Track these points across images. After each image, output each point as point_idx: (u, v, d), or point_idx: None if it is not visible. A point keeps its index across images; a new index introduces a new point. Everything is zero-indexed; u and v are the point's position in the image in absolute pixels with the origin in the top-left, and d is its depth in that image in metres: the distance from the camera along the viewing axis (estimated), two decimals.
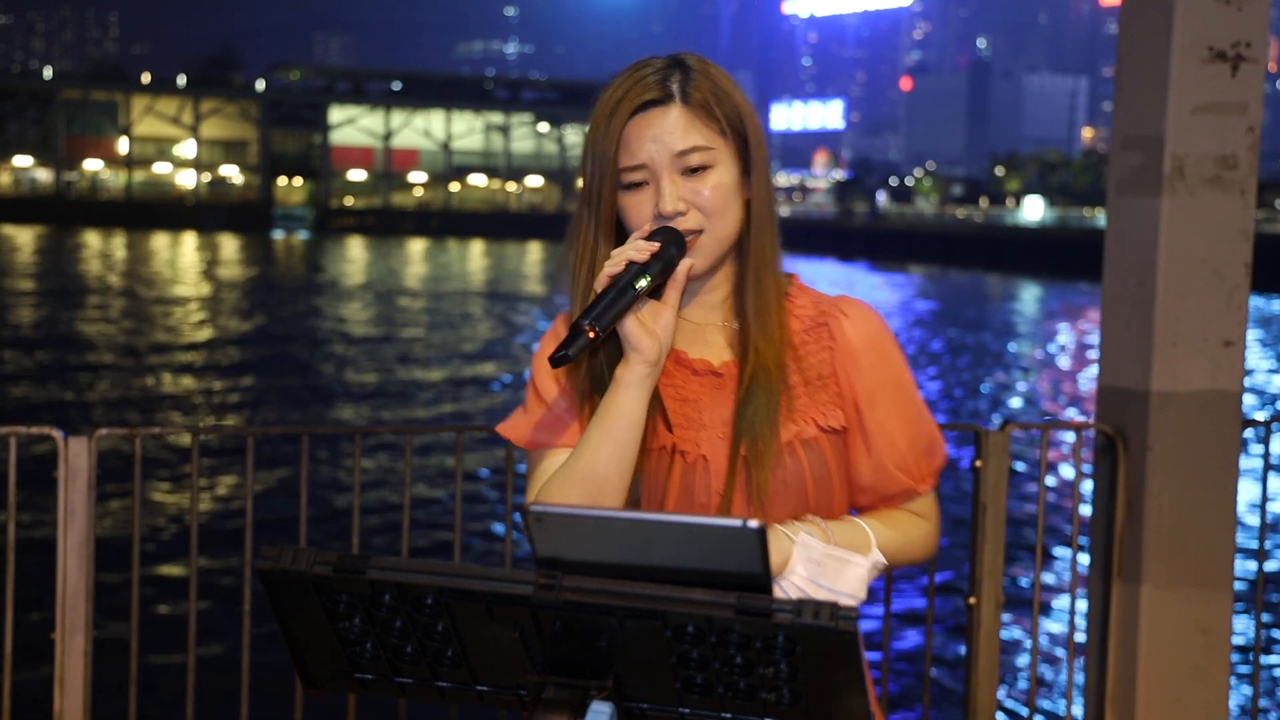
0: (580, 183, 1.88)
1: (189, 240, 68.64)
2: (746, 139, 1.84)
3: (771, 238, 1.87)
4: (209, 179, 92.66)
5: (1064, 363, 25.72)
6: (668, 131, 1.79)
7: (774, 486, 1.80)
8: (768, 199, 1.86)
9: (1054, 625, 8.12)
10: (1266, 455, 4.19)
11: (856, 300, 1.92)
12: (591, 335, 1.64)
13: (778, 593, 1.69)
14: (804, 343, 1.88)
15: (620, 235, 1.84)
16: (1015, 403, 20.40)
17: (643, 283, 1.71)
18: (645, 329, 1.74)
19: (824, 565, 1.73)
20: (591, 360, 1.84)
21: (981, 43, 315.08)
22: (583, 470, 1.75)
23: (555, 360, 1.64)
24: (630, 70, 1.84)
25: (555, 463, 1.83)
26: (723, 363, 1.87)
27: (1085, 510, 4.37)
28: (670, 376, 1.87)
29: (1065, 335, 31.14)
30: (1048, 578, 9.37)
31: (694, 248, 1.80)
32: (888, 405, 1.88)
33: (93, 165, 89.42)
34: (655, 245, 1.73)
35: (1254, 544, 8.55)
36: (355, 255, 60.57)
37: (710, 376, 1.86)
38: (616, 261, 1.72)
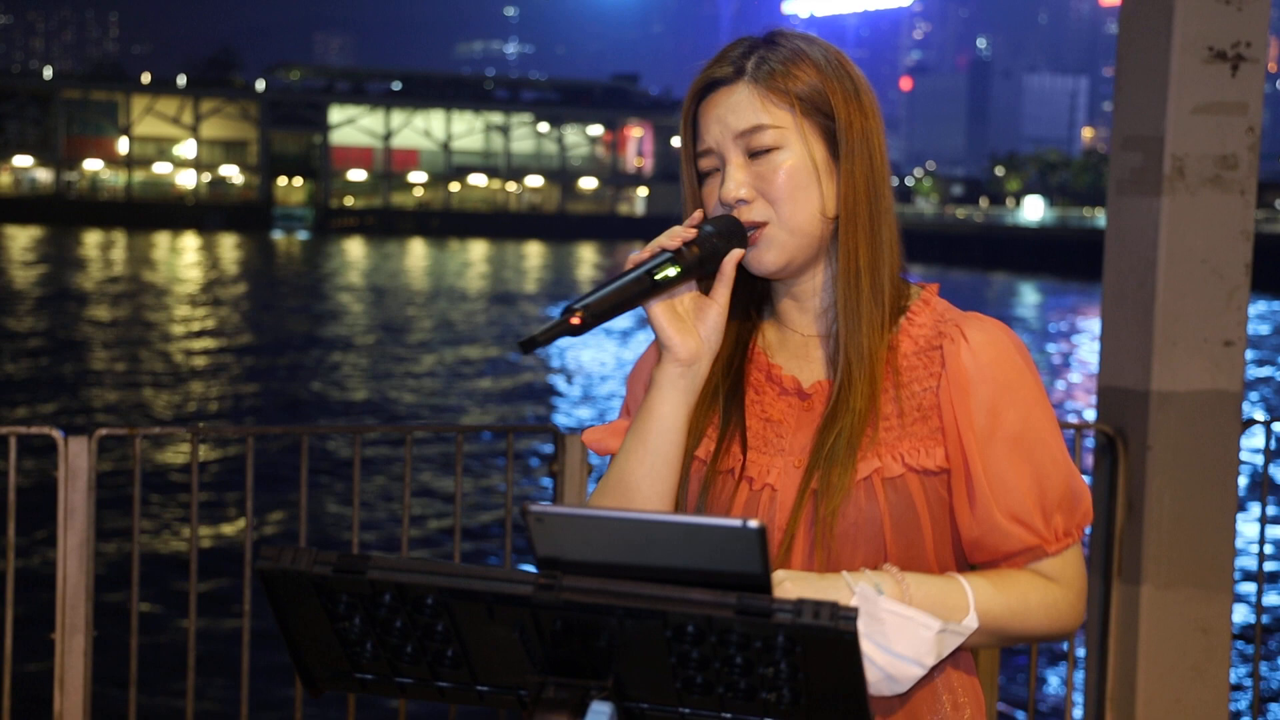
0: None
1: (189, 240, 68.65)
2: (834, 120, 1.61)
3: (869, 235, 1.62)
4: (209, 179, 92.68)
5: (1064, 363, 25.72)
6: (730, 110, 1.61)
7: (842, 527, 1.58)
8: (866, 189, 1.62)
9: None
10: (1267, 455, 4.19)
11: (987, 320, 1.64)
12: (575, 322, 1.48)
13: None
14: (910, 366, 1.63)
15: None
16: None
17: (670, 272, 1.54)
18: (679, 325, 1.59)
19: (884, 623, 1.48)
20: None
21: (981, 43, 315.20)
22: (615, 476, 1.63)
23: (524, 345, 1.47)
24: (724, 49, 1.67)
25: None
26: (814, 383, 1.66)
27: None
28: (760, 393, 1.68)
29: (1065, 335, 31.14)
30: None
31: (760, 240, 1.61)
32: (1006, 448, 1.59)
33: (93, 165, 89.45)
34: (691, 232, 1.57)
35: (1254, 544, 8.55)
36: (355, 255, 60.59)
37: (797, 396, 1.66)
38: (649, 247, 1.56)
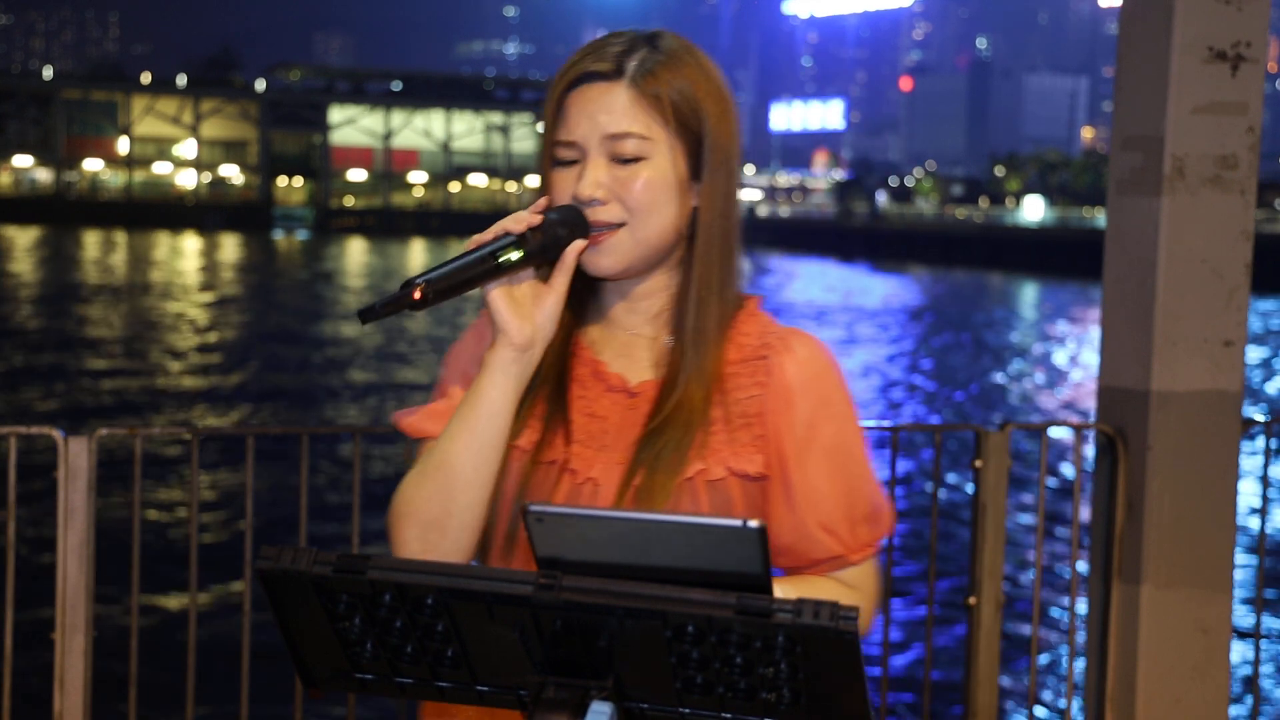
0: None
1: (189, 240, 68.67)
2: (702, 139, 1.63)
3: (723, 254, 1.65)
4: (209, 179, 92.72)
5: (1064, 362, 25.73)
6: (604, 110, 1.59)
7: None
8: (723, 210, 1.65)
9: (1054, 625, 8.12)
10: (1267, 455, 4.19)
11: (809, 336, 1.69)
12: (416, 296, 1.46)
13: None
14: (735, 374, 1.66)
15: None
16: (1015, 403, 20.40)
17: (512, 256, 1.53)
18: (516, 309, 1.57)
19: None
20: None
21: (981, 43, 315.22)
22: (437, 460, 1.59)
23: (363, 315, 1.46)
24: (601, 38, 1.66)
25: None
26: (640, 382, 1.68)
27: (1085, 510, 4.37)
28: (585, 388, 1.68)
29: (1065, 335, 31.15)
30: (1048, 578, 9.38)
31: (606, 242, 1.61)
32: (821, 460, 1.65)
33: (93, 165, 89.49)
34: (536, 219, 1.56)
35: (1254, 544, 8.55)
36: (355, 255, 60.60)
37: (623, 394, 1.67)
38: (492, 229, 1.56)
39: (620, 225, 1.61)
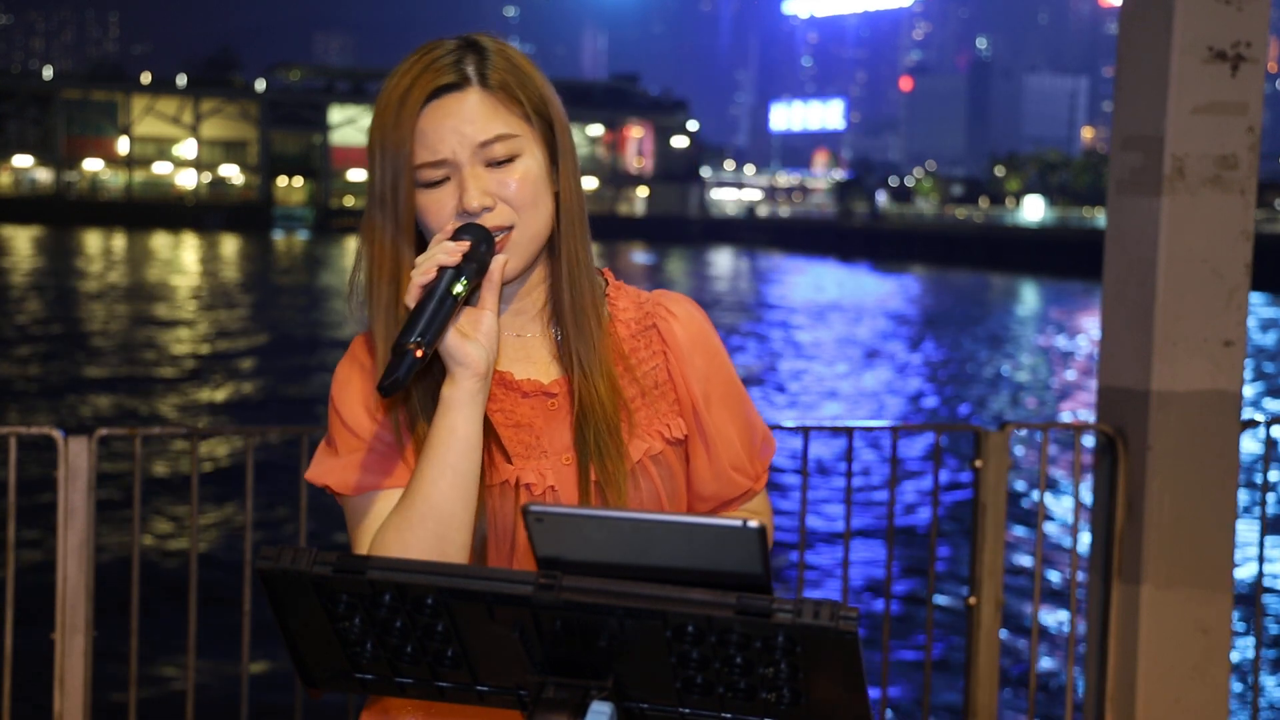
0: (368, 183, 1.65)
1: (189, 240, 68.69)
2: (552, 124, 1.66)
3: (583, 232, 1.68)
4: (209, 179, 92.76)
5: (1064, 362, 25.73)
6: (468, 120, 1.59)
7: (633, 507, 1.64)
8: (576, 190, 1.68)
9: (1054, 625, 8.12)
10: (1267, 454, 4.19)
11: (678, 295, 1.77)
12: (419, 354, 1.46)
13: None
14: (634, 350, 1.71)
15: (421, 240, 1.63)
16: (1015, 403, 20.41)
17: (459, 288, 1.52)
18: (467, 339, 1.54)
19: None
20: (415, 385, 1.62)
21: (981, 43, 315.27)
22: (421, 509, 1.55)
23: (386, 389, 1.45)
24: (419, 53, 1.63)
25: (387, 506, 1.60)
26: (553, 380, 1.68)
27: (1085, 510, 4.37)
28: (498, 401, 1.66)
29: (1065, 335, 31.15)
30: (1048, 578, 9.38)
31: (505, 246, 1.60)
32: (722, 406, 1.74)
33: (93, 165, 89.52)
34: (465, 244, 1.54)
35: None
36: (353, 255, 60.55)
37: (542, 397, 1.67)
38: (425, 269, 1.51)
39: (511, 227, 1.61)
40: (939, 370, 23.98)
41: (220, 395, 18.62)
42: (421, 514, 1.55)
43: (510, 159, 1.61)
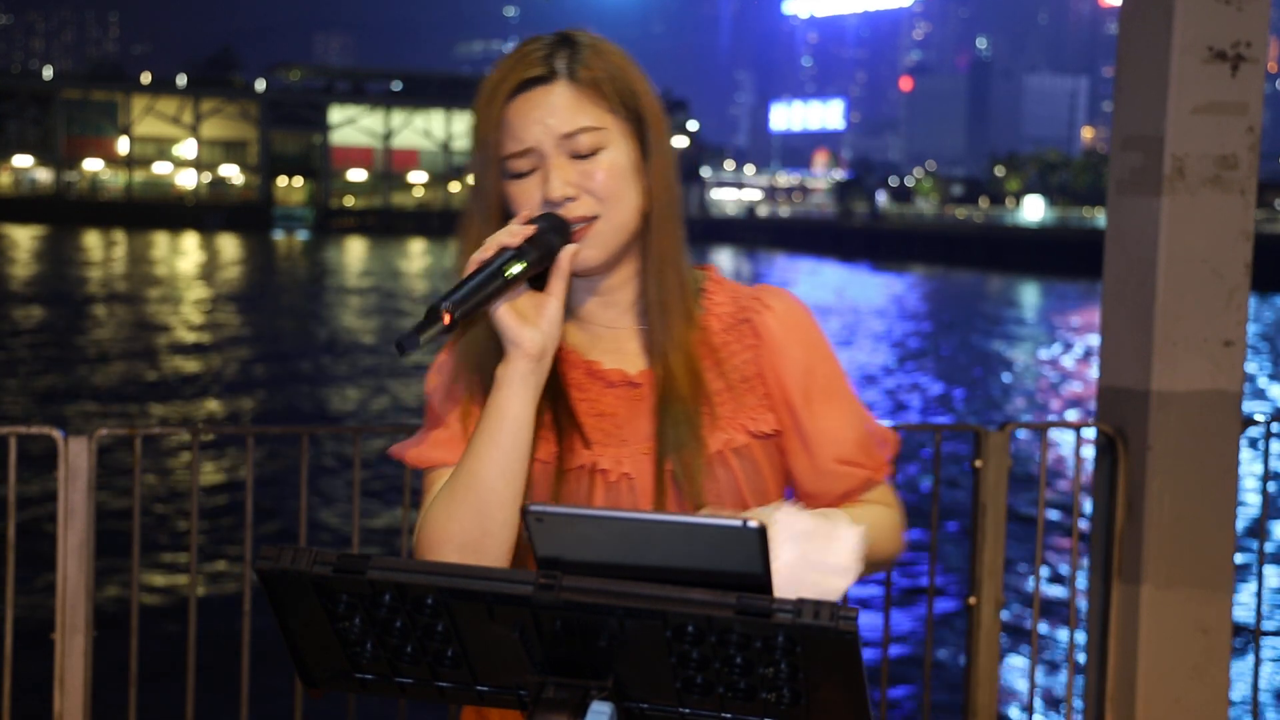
0: (469, 176, 1.70)
1: (189, 240, 68.68)
2: (643, 118, 1.67)
3: (674, 227, 1.70)
4: (209, 179, 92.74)
5: (1064, 362, 25.73)
6: (552, 112, 1.62)
7: (708, 501, 1.65)
8: (669, 185, 1.69)
9: (1054, 625, 8.12)
10: (1266, 455, 4.19)
11: (779, 289, 1.77)
12: (447, 320, 1.48)
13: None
14: (725, 343, 1.72)
15: None
16: (1015, 402, 20.41)
17: (515, 269, 1.54)
18: (524, 320, 1.58)
19: (812, 538, 1.51)
20: (489, 365, 1.66)
21: (981, 43, 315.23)
22: (465, 482, 1.58)
23: (401, 345, 1.48)
24: (516, 49, 1.67)
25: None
26: (639, 371, 1.71)
27: (1086, 510, 4.37)
28: (584, 390, 1.70)
29: (1065, 335, 31.16)
30: (1048, 577, 9.38)
31: (587, 236, 1.63)
32: (824, 401, 1.72)
33: (93, 165, 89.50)
34: (530, 229, 1.58)
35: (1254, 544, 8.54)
36: (355, 255, 60.62)
37: (626, 387, 1.70)
38: (486, 246, 1.56)
39: (595, 218, 1.64)
40: (939, 370, 23.98)
41: (220, 394, 18.62)
42: (465, 487, 1.58)
43: (596, 151, 1.63)
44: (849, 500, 1.74)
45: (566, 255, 1.60)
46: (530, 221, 1.60)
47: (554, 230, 1.60)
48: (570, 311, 1.74)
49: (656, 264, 1.69)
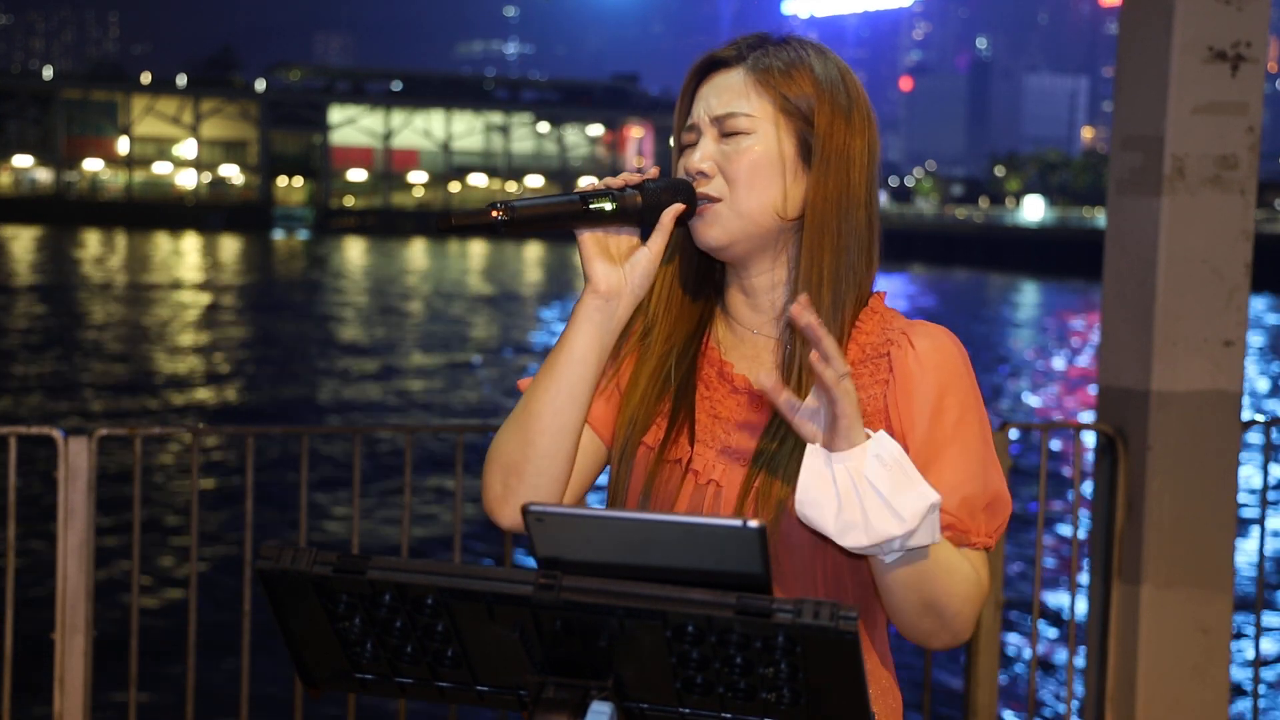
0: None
1: (189, 240, 68.67)
2: (811, 125, 1.65)
3: (835, 247, 1.65)
4: (209, 179, 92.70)
5: (1064, 362, 25.72)
6: (718, 93, 1.66)
7: (784, 528, 1.60)
8: (837, 202, 1.65)
9: (1054, 625, 8.12)
10: (1267, 455, 4.19)
11: (934, 328, 1.67)
12: (494, 215, 1.51)
13: (827, 474, 1.47)
14: (856, 375, 1.64)
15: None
16: (1015, 402, 20.41)
17: (603, 204, 1.57)
18: (605, 259, 1.62)
19: (893, 469, 1.46)
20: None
21: (981, 43, 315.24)
22: (520, 405, 1.64)
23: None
24: (742, 36, 1.73)
25: None
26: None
27: (1086, 510, 4.37)
28: (711, 388, 1.70)
29: (1065, 335, 31.15)
30: (1048, 578, 9.37)
31: (708, 214, 1.64)
32: (943, 450, 1.61)
33: (93, 165, 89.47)
34: (635, 177, 1.62)
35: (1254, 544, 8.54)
36: (355, 255, 60.60)
37: (749, 396, 1.68)
38: (594, 182, 1.62)
39: (720, 198, 1.65)
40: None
41: (221, 393, 18.62)
42: (520, 410, 1.64)
43: (740, 134, 1.65)
44: None
45: (670, 213, 1.62)
46: (655, 180, 1.63)
47: (668, 189, 1.63)
48: (724, 307, 1.75)
49: (808, 280, 1.65)
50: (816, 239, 1.65)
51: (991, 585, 3.95)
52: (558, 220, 1.56)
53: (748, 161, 1.63)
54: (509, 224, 1.51)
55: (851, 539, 1.47)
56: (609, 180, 1.61)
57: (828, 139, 1.65)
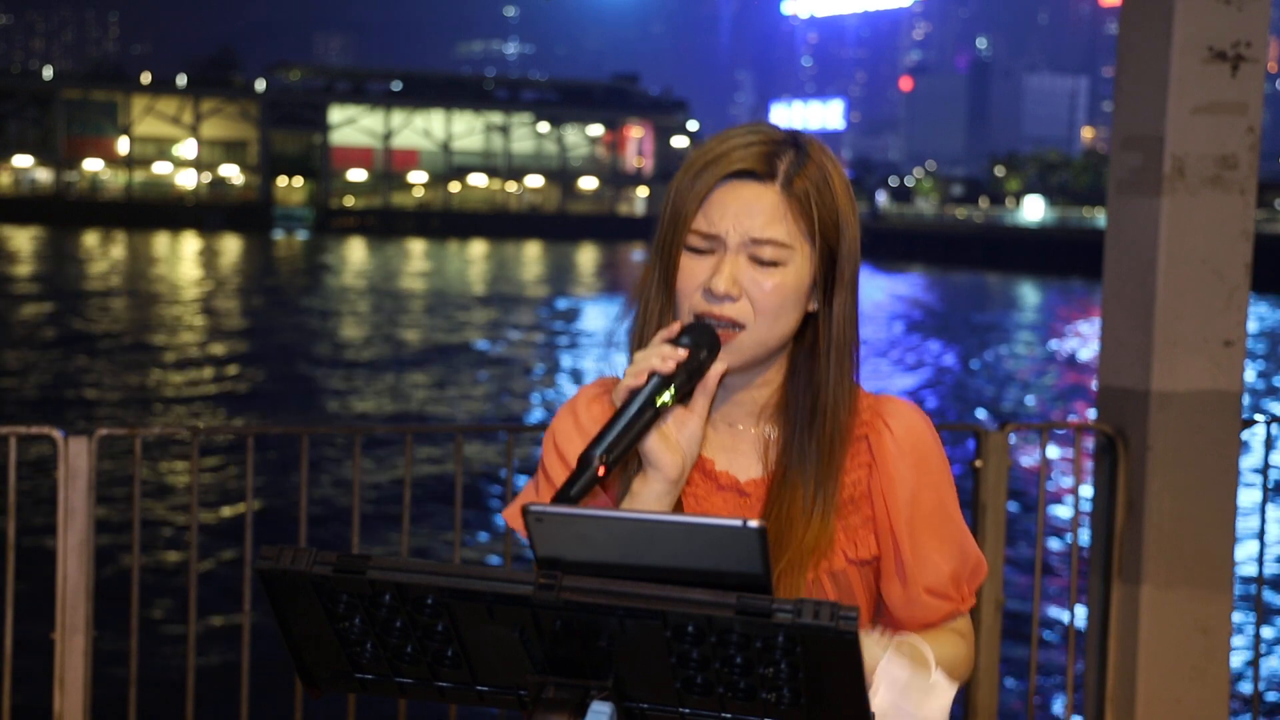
0: (655, 238, 1.67)
1: (189, 240, 68.65)
2: (836, 250, 1.64)
3: (846, 363, 1.67)
4: (209, 179, 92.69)
5: (1064, 362, 25.72)
6: (753, 214, 1.60)
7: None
8: (850, 320, 1.66)
9: (1054, 625, 8.12)
10: (1267, 455, 4.19)
11: (903, 406, 1.72)
12: (601, 472, 1.47)
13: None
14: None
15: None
16: (1015, 402, 20.41)
17: (664, 397, 1.53)
18: (667, 443, 1.57)
19: (908, 691, 1.53)
20: (625, 468, 1.65)
21: (981, 43, 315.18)
22: None
23: (556, 500, 1.45)
24: (743, 129, 1.65)
25: None
26: (749, 480, 1.69)
27: (1086, 510, 4.37)
28: (694, 486, 1.68)
29: (1065, 335, 31.15)
30: (1048, 577, 9.37)
31: (729, 344, 1.60)
32: (930, 531, 1.68)
33: (93, 165, 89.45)
34: (682, 353, 1.55)
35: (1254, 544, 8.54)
36: (355, 255, 60.59)
37: (735, 493, 1.68)
38: (638, 370, 1.54)
39: (743, 326, 1.61)
40: (939, 370, 23.97)
41: (221, 394, 18.61)
42: None
43: (774, 264, 1.60)
44: (929, 628, 1.70)
45: (714, 375, 1.58)
46: (680, 335, 1.58)
47: (704, 347, 1.58)
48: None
49: (829, 399, 1.65)
50: (839, 359, 1.66)
51: (991, 586, 3.94)
52: (639, 437, 1.52)
53: (776, 293, 1.60)
54: (610, 470, 1.48)
55: None
56: (653, 364, 1.54)
57: (849, 260, 1.65)
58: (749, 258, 1.60)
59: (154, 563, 9.46)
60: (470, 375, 21.41)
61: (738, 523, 1.22)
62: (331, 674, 1.35)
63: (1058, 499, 12.04)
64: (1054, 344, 29.16)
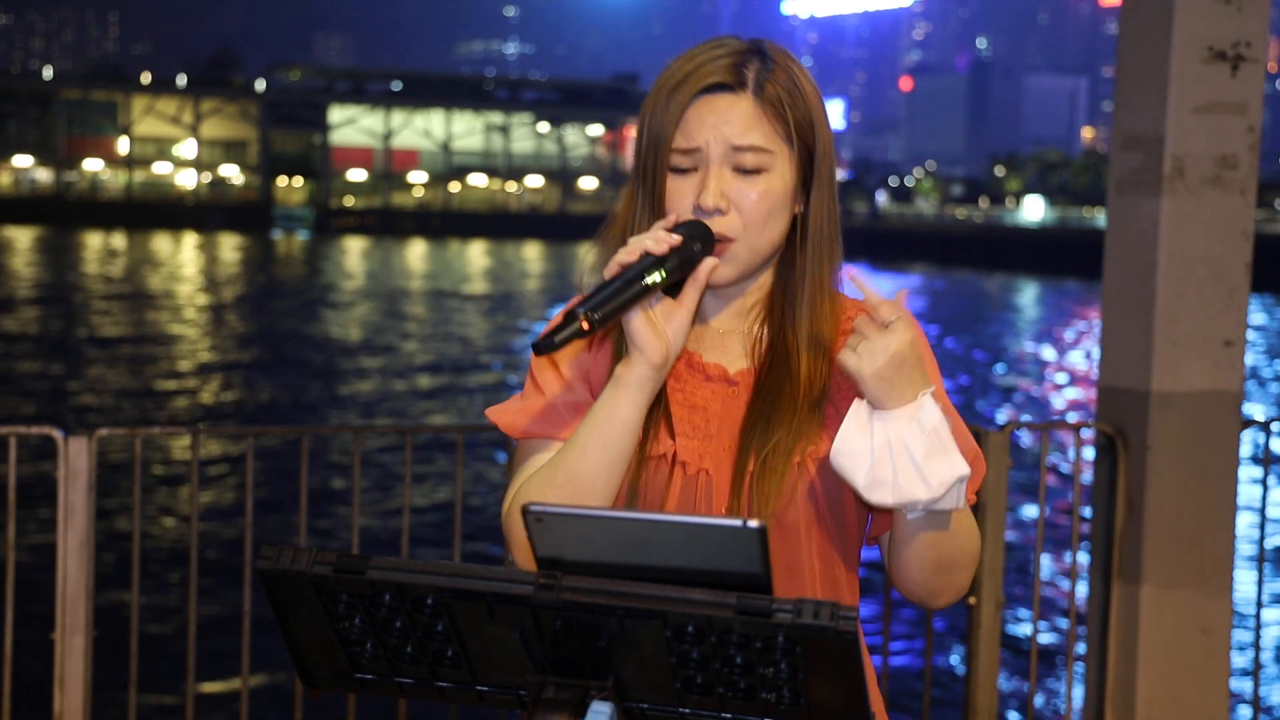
0: (630, 157, 1.70)
1: (189, 240, 68.66)
2: (813, 151, 1.67)
3: (831, 258, 1.70)
4: (209, 179, 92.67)
5: (1063, 362, 25.72)
6: (729, 122, 1.63)
7: (781, 505, 1.63)
8: (830, 217, 1.69)
9: (1054, 625, 8.12)
10: (1267, 454, 4.19)
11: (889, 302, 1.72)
12: (585, 326, 1.48)
13: (867, 429, 1.53)
14: (833, 350, 1.71)
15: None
16: (1015, 402, 20.40)
17: (655, 277, 1.54)
18: (653, 328, 1.58)
19: (931, 437, 1.52)
20: (606, 355, 1.69)
21: (981, 43, 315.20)
22: (566, 472, 1.60)
23: (538, 347, 1.48)
24: (706, 46, 1.68)
25: (545, 457, 1.67)
26: (739, 370, 1.71)
27: (1086, 510, 4.37)
28: (681, 380, 1.70)
29: (1065, 335, 31.15)
30: (1048, 578, 9.37)
31: (724, 254, 1.64)
32: None
33: (93, 165, 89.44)
34: (676, 238, 1.57)
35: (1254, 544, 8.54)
36: (355, 255, 60.58)
37: (723, 384, 1.70)
38: (631, 249, 1.55)
39: (734, 239, 1.64)
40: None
41: (221, 393, 18.62)
42: (565, 477, 1.60)
43: (758, 171, 1.64)
44: None
45: (705, 268, 1.60)
46: (678, 228, 1.60)
47: (698, 240, 1.60)
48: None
49: (811, 294, 1.69)
50: (818, 256, 1.69)
51: (991, 586, 3.94)
52: (625, 307, 1.54)
53: (764, 200, 1.64)
54: (593, 327, 1.49)
55: (878, 495, 1.53)
56: (645, 245, 1.56)
57: (825, 157, 1.68)
58: (733, 169, 1.64)
59: (155, 562, 9.46)
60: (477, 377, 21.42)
61: (738, 523, 1.22)
62: (331, 674, 1.35)
63: (1057, 499, 12.04)
64: (1054, 344, 29.16)
